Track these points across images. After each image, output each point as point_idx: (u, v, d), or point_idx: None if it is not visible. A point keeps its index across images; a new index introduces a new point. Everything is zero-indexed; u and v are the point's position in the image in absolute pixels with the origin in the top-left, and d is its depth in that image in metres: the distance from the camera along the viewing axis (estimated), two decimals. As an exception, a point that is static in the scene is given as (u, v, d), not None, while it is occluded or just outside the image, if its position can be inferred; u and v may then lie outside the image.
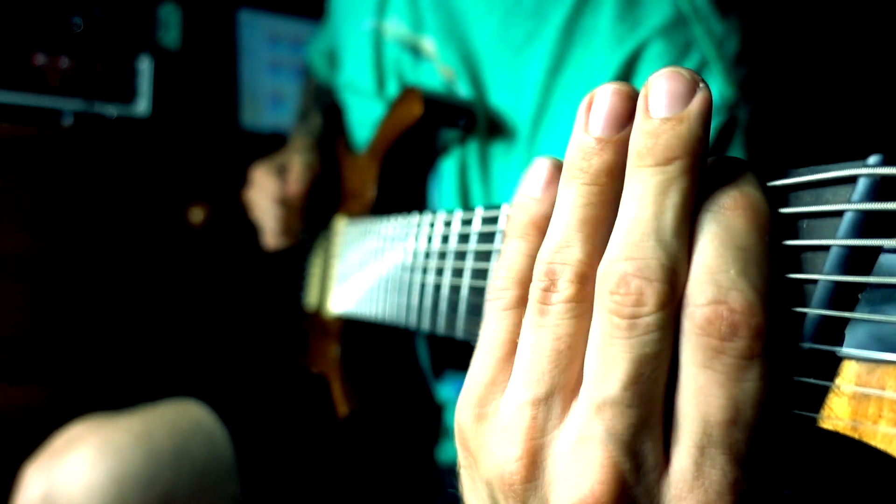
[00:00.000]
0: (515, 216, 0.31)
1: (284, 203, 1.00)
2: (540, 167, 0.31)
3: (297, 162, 1.04)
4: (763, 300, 0.23)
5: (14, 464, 0.80)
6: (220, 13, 1.64)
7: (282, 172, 1.04)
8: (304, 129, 1.18)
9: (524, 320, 0.28)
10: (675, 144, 0.24)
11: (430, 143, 0.79)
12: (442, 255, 0.49)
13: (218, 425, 0.81)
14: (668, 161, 0.24)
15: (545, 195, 0.30)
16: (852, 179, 0.23)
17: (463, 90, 0.75)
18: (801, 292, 0.24)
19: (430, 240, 0.52)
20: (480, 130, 0.74)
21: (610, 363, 0.24)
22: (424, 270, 0.52)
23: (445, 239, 0.49)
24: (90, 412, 0.84)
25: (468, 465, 0.30)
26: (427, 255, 0.52)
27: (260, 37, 1.69)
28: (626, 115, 0.27)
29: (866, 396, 0.22)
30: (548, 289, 0.27)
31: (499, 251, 0.38)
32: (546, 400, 0.26)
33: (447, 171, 0.79)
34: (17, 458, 0.81)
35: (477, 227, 0.44)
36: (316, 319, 0.96)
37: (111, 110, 1.44)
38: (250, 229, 1.14)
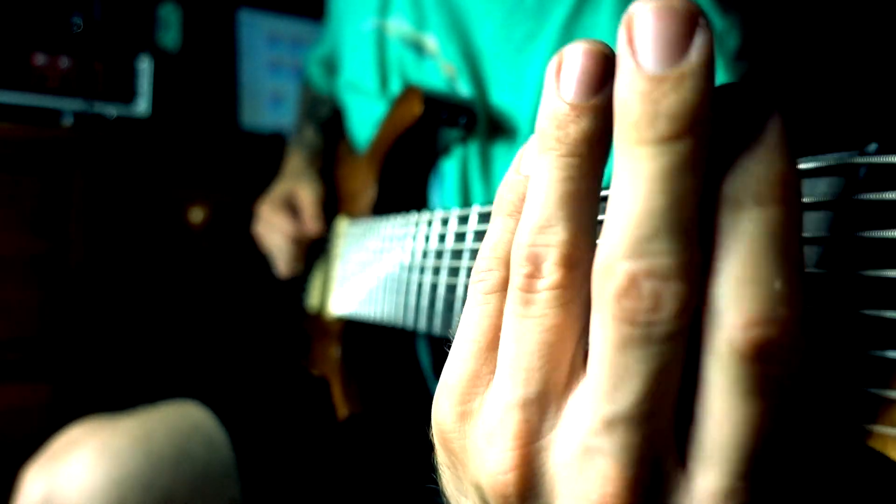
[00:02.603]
0: (503, 194, 0.27)
1: (299, 241, 0.99)
2: (531, 143, 0.27)
3: (306, 196, 1.01)
4: (802, 316, 0.19)
5: (15, 464, 0.80)
6: (220, 13, 1.64)
7: (289, 205, 1.02)
8: (298, 145, 1.16)
9: (506, 310, 0.25)
10: (682, 112, 0.19)
11: (430, 142, 0.79)
12: (439, 255, 0.49)
13: (218, 427, 0.80)
14: (676, 136, 0.19)
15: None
16: (850, 169, 0.21)
17: (464, 88, 0.75)
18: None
19: (427, 239, 0.52)
20: (481, 130, 0.74)
21: (620, 377, 0.21)
22: (422, 270, 0.52)
23: (442, 238, 0.48)
24: (91, 412, 0.84)
25: (452, 465, 0.28)
26: (424, 255, 0.52)
27: (260, 37, 1.69)
28: (601, 77, 0.22)
29: None
30: (532, 275, 0.23)
31: None
32: (538, 400, 0.23)
33: (448, 171, 0.79)
34: (17, 458, 0.81)
35: (473, 225, 0.43)
36: (317, 321, 0.96)
37: (111, 110, 1.43)
38: (250, 229, 1.14)
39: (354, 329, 0.84)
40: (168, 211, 1.45)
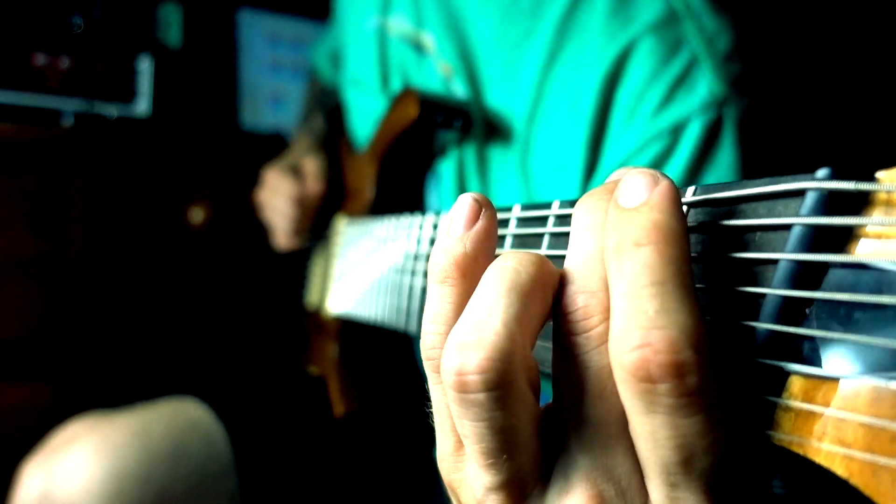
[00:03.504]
0: (437, 260, 0.28)
1: (302, 203, 0.99)
2: (463, 203, 0.29)
3: (311, 164, 1.03)
4: (689, 333, 0.21)
5: (14, 463, 0.80)
6: (221, 13, 1.64)
7: (295, 173, 1.03)
8: (306, 129, 1.18)
9: (449, 405, 0.26)
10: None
11: (427, 144, 0.79)
12: (428, 258, 0.49)
13: (215, 423, 0.81)
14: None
15: (470, 234, 0.28)
16: (801, 193, 0.22)
17: (460, 87, 0.75)
18: (754, 305, 0.24)
19: (418, 242, 0.52)
20: (477, 131, 0.74)
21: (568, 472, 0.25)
22: (413, 273, 0.52)
23: (432, 242, 0.49)
24: (90, 411, 0.85)
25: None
26: (415, 258, 0.52)
27: (260, 37, 1.69)
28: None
29: (811, 413, 0.21)
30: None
31: None
32: (512, 482, 0.26)
33: (445, 173, 0.79)
34: (17, 457, 0.81)
35: None
36: (316, 319, 0.96)
37: (111, 110, 1.44)
38: (250, 229, 1.15)
39: (352, 328, 0.85)
40: (168, 211, 1.46)
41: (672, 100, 0.62)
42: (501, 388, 0.24)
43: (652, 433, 0.22)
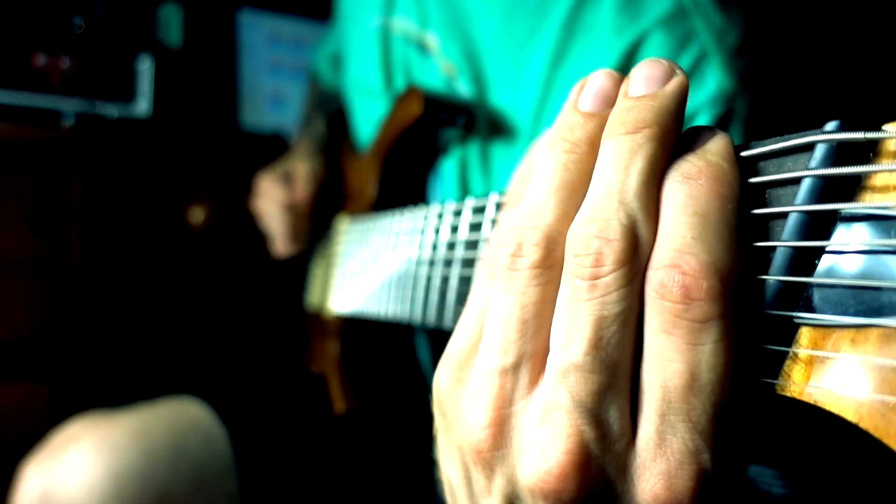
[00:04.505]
0: (515, 185, 0.31)
1: (293, 209, 1.02)
2: (543, 140, 0.31)
3: (302, 168, 1.05)
4: (719, 265, 0.22)
5: (15, 463, 0.80)
6: (221, 13, 1.64)
7: (287, 180, 1.05)
8: (306, 135, 1.18)
9: (493, 285, 0.27)
10: (646, 116, 0.25)
11: (430, 142, 0.79)
12: (451, 246, 0.49)
13: (216, 423, 0.81)
14: (637, 129, 0.25)
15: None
16: (811, 147, 0.23)
17: (464, 86, 0.75)
18: (765, 260, 0.24)
19: (437, 231, 0.51)
20: (481, 129, 0.74)
21: (573, 327, 0.24)
22: (432, 263, 0.52)
23: (455, 229, 0.48)
24: (90, 411, 0.84)
25: (444, 428, 0.30)
26: (434, 247, 0.51)
27: (260, 37, 1.69)
28: (613, 96, 0.28)
29: (821, 360, 0.22)
30: (516, 253, 0.26)
31: None
32: (514, 369, 0.26)
33: (448, 171, 0.79)
34: (16, 457, 0.81)
35: (491, 214, 0.43)
36: (317, 320, 0.96)
37: (111, 110, 1.44)
38: (250, 229, 1.15)
39: (353, 326, 0.85)
40: (168, 211, 1.46)
41: None
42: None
43: (661, 352, 0.23)
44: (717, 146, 0.25)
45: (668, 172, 0.25)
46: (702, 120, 0.61)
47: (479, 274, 0.30)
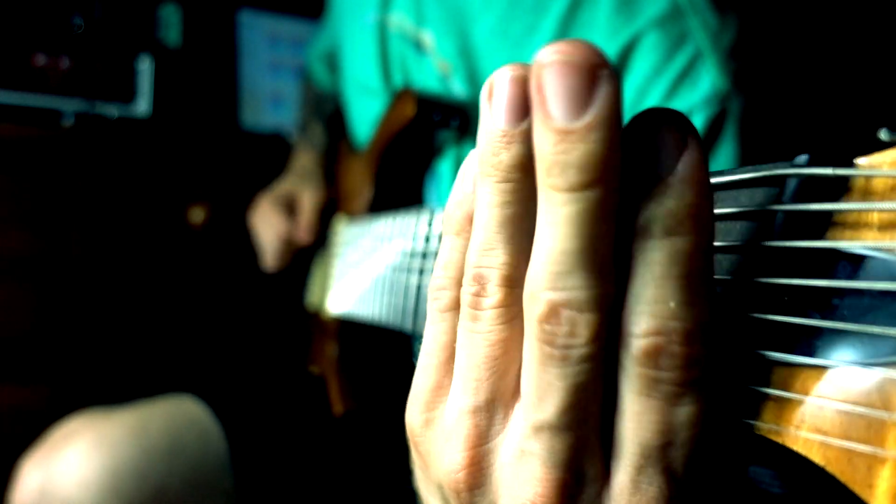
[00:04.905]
0: (450, 212, 0.28)
1: (288, 243, 1.02)
2: (473, 161, 0.28)
3: (308, 199, 1.04)
4: (703, 327, 0.22)
5: (13, 463, 0.80)
6: (221, 13, 1.64)
7: (289, 207, 1.05)
8: (306, 142, 1.18)
9: (458, 325, 0.27)
10: (590, 164, 0.21)
11: (426, 143, 0.79)
12: (424, 256, 0.49)
13: (213, 421, 0.81)
14: (583, 186, 0.21)
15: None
16: (781, 180, 0.22)
17: (459, 86, 0.75)
18: (739, 298, 0.24)
19: (415, 239, 0.52)
20: (477, 130, 0.74)
21: (544, 389, 0.23)
22: (408, 271, 0.52)
23: (427, 239, 0.48)
24: (88, 409, 0.85)
25: (421, 466, 0.30)
26: (411, 256, 0.52)
27: (260, 37, 1.69)
28: (526, 103, 0.23)
29: (790, 401, 0.22)
30: (478, 293, 0.25)
31: None
32: (486, 407, 0.26)
33: (444, 172, 0.79)
34: (15, 457, 0.81)
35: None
36: (317, 320, 0.96)
37: (111, 110, 1.44)
38: (250, 229, 1.15)
39: (351, 328, 0.85)
40: (168, 211, 1.46)
41: (675, 94, 0.62)
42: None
43: (639, 414, 0.22)
44: (691, 172, 0.21)
45: (642, 219, 0.22)
46: (696, 120, 0.61)
47: (429, 311, 0.29)
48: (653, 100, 0.63)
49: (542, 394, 0.23)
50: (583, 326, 0.22)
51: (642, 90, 0.63)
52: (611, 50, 0.64)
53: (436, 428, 0.28)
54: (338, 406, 0.83)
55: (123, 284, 1.41)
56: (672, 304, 0.21)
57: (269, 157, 1.53)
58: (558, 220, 0.22)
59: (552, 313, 0.22)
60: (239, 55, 1.66)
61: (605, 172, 0.21)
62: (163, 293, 1.46)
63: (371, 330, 0.74)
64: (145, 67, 1.47)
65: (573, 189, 0.21)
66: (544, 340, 0.23)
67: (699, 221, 0.21)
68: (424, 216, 0.50)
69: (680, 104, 0.62)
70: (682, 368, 0.21)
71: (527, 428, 0.24)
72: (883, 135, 0.18)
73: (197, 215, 1.49)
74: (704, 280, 0.22)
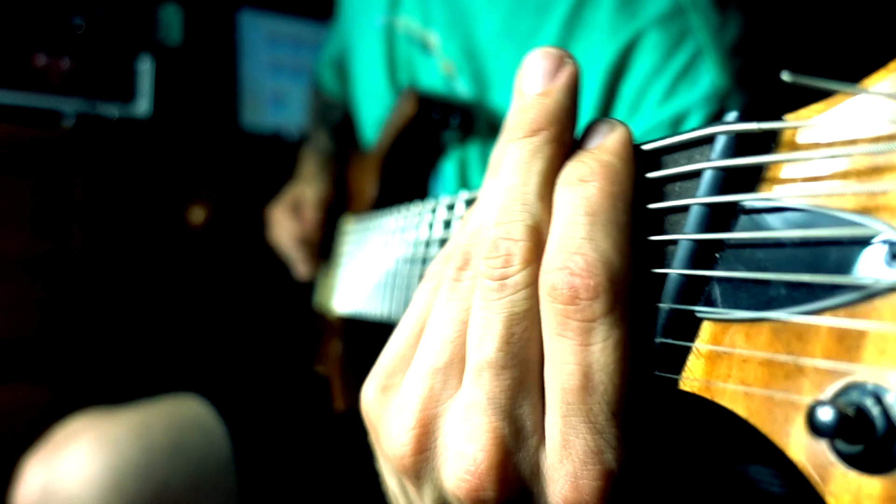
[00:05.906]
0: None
1: (304, 240, 1.04)
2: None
3: (310, 195, 1.07)
4: (607, 263, 0.22)
5: (14, 462, 0.80)
6: (221, 13, 1.64)
7: (296, 209, 1.07)
8: (312, 149, 1.18)
9: (437, 297, 0.28)
10: (541, 117, 0.26)
11: (430, 143, 0.79)
12: (443, 243, 0.47)
13: (215, 420, 0.81)
14: (533, 132, 0.26)
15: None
16: (712, 139, 0.23)
17: (463, 86, 0.75)
18: (662, 254, 0.24)
19: (430, 227, 0.50)
20: (482, 129, 0.74)
21: (484, 326, 0.25)
22: (424, 261, 0.50)
23: (448, 224, 0.47)
24: (90, 408, 0.85)
25: (375, 440, 0.30)
26: (427, 245, 0.50)
27: (260, 37, 1.69)
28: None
29: (719, 355, 0.22)
30: (462, 267, 0.27)
31: None
32: (444, 369, 0.27)
33: (448, 172, 0.80)
34: (17, 456, 0.81)
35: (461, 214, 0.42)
36: (323, 318, 0.97)
37: (111, 110, 1.44)
38: (251, 229, 1.15)
39: (355, 325, 0.85)
40: (168, 211, 1.46)
41: (675, 92, 0.62)
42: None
43: (556, 355, 0.23)
44: (612, 143, 0.26)
45: (562, 174, 0.26)
46: (695, 118, 0.61)
47: (421, 288, 0.30)
48: (653, 98, 0.63)
49: (483, 332, 0.25)
50: (517, 255, 0.24)
51: (643, 89, 0.63)
52: (611, 49, 0.64)
53: (391, 395, 0.29)
54: (339, 403, 0.83)
55: (124, 284, 1.41)
56: (577, 238, 0.23)
57: (269, 157, 1.53)
58: (510, 161, 0.26)
59: (493, 247, 0.25)
60: (239, 55, 1.66)
61: (553, 124, 0.26)
62: (163, 293, 1.46)
63: (375, 328, 0.74)
64: (145, 67, 1.47)
65: (525, 135, 0.26)
66: (485, 275, 0.25)
67: (608, 174, 0.24)
68: (442, 200, 0.48)
69: (679, 102, 0.62)
70: (587, 301, 0.22)
71: (471, 374, 0.25)
72: (785, 76, 0.18)
73: (197, 215, 1.49)
74: (613, 224, 0.23)
